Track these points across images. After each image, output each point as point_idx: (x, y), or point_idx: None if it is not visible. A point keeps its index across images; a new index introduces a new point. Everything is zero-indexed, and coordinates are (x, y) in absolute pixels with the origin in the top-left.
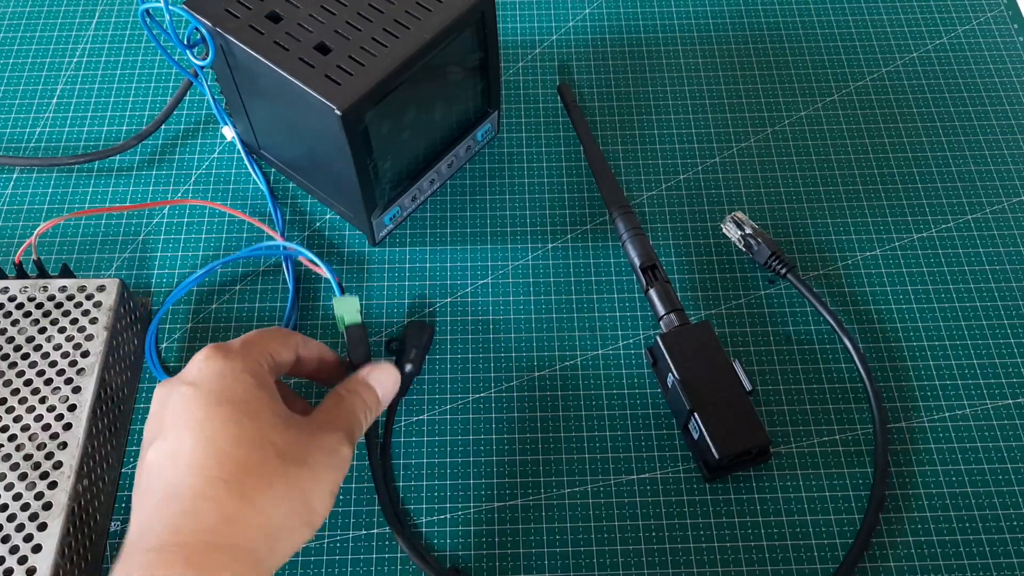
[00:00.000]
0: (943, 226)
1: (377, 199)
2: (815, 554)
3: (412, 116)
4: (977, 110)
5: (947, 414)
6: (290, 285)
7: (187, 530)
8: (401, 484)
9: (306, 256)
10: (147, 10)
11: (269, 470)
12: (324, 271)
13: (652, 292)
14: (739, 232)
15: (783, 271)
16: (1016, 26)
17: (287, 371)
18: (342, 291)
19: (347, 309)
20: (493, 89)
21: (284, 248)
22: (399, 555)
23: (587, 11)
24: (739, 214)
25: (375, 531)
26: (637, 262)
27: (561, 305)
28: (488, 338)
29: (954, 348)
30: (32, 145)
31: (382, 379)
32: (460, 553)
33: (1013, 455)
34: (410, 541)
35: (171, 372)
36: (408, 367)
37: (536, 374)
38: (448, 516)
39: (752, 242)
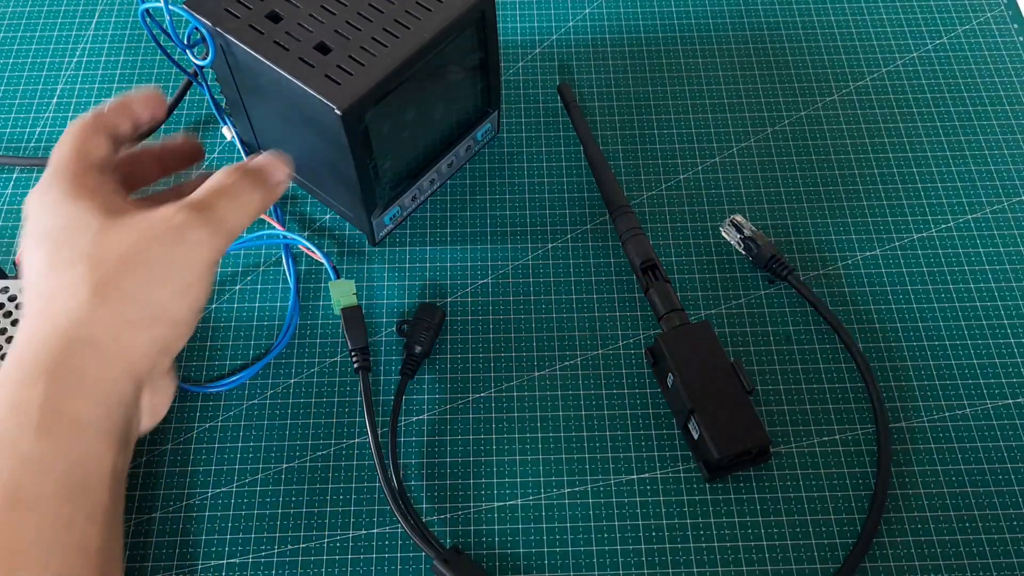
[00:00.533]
0: (943, 226)
1: (377, 199)
2: (815, 554)
3: (412, 116)
4: (977, 110)
5: (947, 414)
6: (291, 281)
7: (42, 334)
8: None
9: (304, 244)
10: (147, 10)
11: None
12: (319, 255)
13: (652, 292)
14: (738, 235)
15: (783, 273)
16: (1016, 26)
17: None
18: (337, 275)
19: (342, 292)
20: (493, 89)
21: (284, 237)
22: (399, 555)
23: (587, 11)
24: (738, 217)
25: (375, 531)
26: (637, 262)
27: (561, 305)
28: (488, 338)
29: (954, 348)
30: (32, 145)
31: (267, 163)
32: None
33: (1013, 455)
34: (410, 520)
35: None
36: (418, 348)
37: (536, 374)
38: (448, 516)
39: (751, 245)
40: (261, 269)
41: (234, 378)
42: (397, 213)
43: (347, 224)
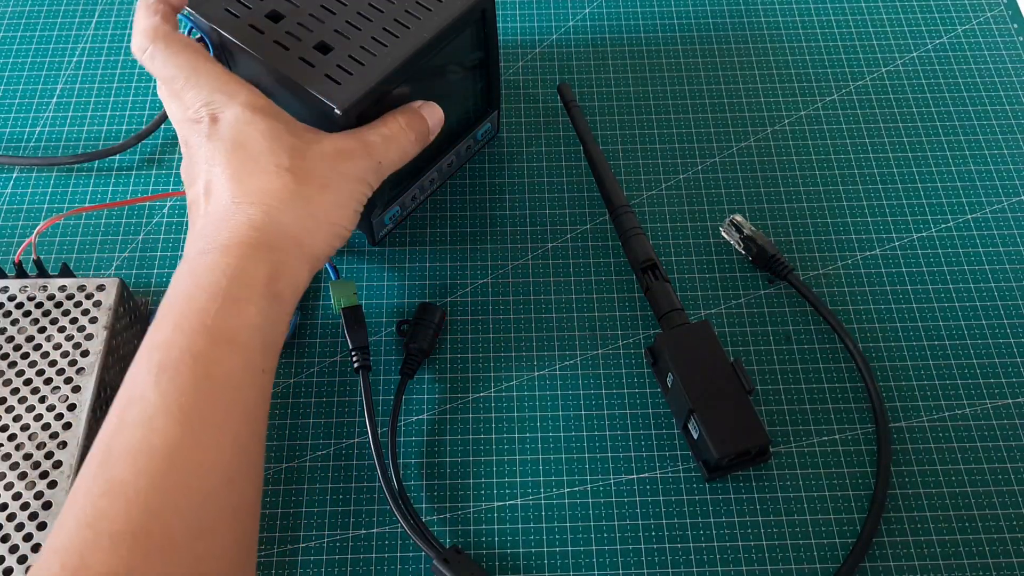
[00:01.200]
0: (943, 226)
1: (377, 199)
2: (815, 554)
3: None
4: (977, 110)
5: (947, 414)
6: None
7: (255, 221)
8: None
9: None
10: None
11: (286, 192)
12: None
13: (652, 292)
14: (738, 235)
15: (783, 273)
16: (1016, 26)
17: None
18: (337, 275)
19: (343, 292)
20: (493, 89)
21: None
22: (399, 555)
23: (587, 11)
24: (737, 217)
25: (375, 531)
26: (637, 262)
27: (561, 305)
28: (488, 338)
29: (954, 348)
30: (32, 145)
31: (433, 112)
32: None
33: (1013, 455)
34: (410, 520)
35: None
36: (418, 348)
37: (536, 374)
38: (448, 516)
39: (751, 245)
40: None
41: None
42: (397, 213)
43: None
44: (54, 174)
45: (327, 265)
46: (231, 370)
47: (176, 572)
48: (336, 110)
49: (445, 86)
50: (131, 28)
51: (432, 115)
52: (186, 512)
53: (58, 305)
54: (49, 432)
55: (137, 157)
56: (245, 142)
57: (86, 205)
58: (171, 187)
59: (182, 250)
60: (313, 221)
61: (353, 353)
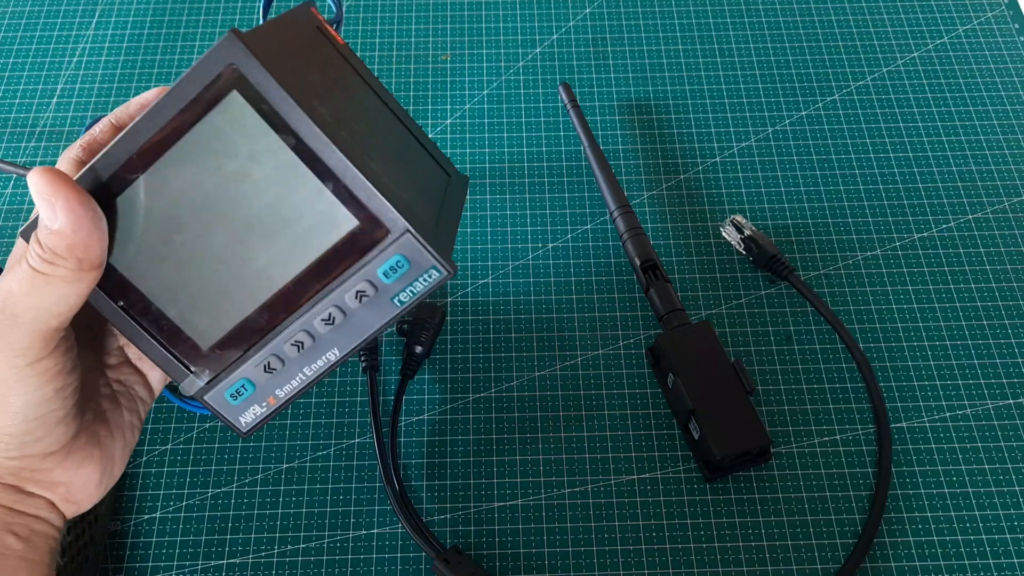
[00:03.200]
0: (943, 226)
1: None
2: (815, 554)
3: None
4: (977, 110)
5: (947, 414)
6: None
7: None
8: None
9: None
10: None
11: None
12: None
13: (652, 292)
14: (738, 235)
15: (783, 273)
16: (1016, 26)
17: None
18: None
19: None
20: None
21: None
22: (399, 555)
23: (587, 11)
24: (738, 217)
25: (375, 531)
26: (637, 262)
27: (561, 305)
28: (488, 338)
29: (954, 348)
30: (32, 145)
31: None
32: None
33: (1013, 455)
34: (412, 521)
35: None
36: (418, 348)
37: (536, 374)
38: (448, 516)
39: (751, 245)
40: None
41: None
42: (248, 388)
43: None
44: None
45: None
46: None
47: None
48: None
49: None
50: (131, 28)
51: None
52: None
53: None
54: None
55: None
56: None
57: None
58: None
59: None
60: None
61: (362, 354)
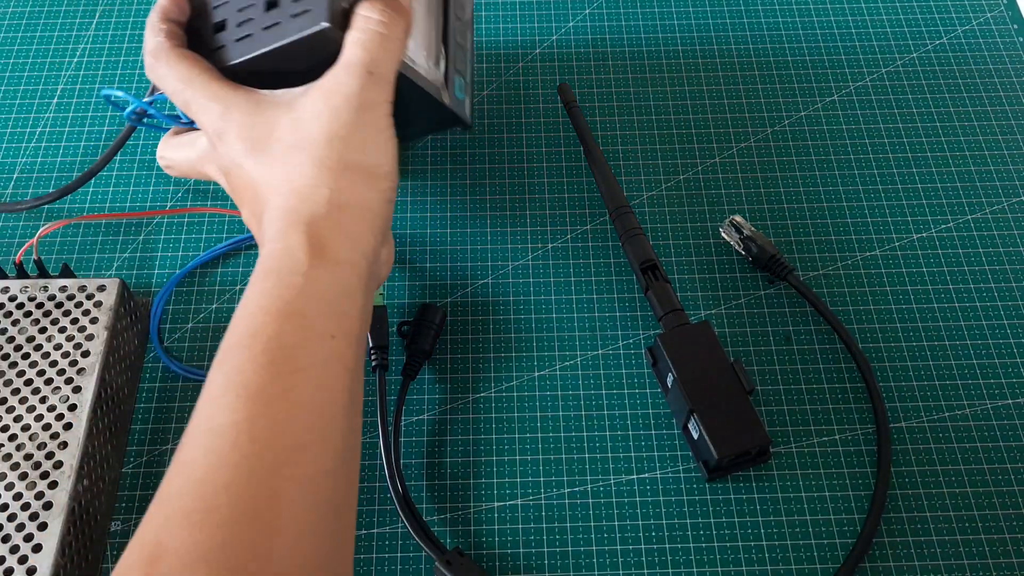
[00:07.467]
0: (943, 226)
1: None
2: (815, 554)
3: None
4: (977, 110)
5: (947, 414)
6: None
7: (294, 207)
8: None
9: None
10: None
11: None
12: None
13: (652, 292)
14: (738, 235)
15: (783, 273)
16: (1016, 26)
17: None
18: None
19: None
20: None
21: None
22: (399, 555)
23: (587, 11)
24: (737, 218)
25: (375, 531)
26: (637, 262)
27: (561, 305)
28: (488, 338)
29: (953, 348)
30: (32, 145)
31: None
32: None
33: (1013, 455)
34: (414, 521)
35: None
36: (419, 349)
37: (536, 374)
38: (448, 516)
39: (751, 245)
40: None
41: None
42: (461, 83)
43: None
44: (55, 175)
45: None
46: (292, 341)
47: (248, 541)
48: (325, 24)
49: None
50: (131, 28)
51: None
52: (252, 484)
53: (59, 305)
54: (50, 432)
55: (138, 158)
56: (259, 140)
57: (85, 215)
58: (171, 188)
59: (183, 250)
60: (347, 178)
61: (372, 352)
